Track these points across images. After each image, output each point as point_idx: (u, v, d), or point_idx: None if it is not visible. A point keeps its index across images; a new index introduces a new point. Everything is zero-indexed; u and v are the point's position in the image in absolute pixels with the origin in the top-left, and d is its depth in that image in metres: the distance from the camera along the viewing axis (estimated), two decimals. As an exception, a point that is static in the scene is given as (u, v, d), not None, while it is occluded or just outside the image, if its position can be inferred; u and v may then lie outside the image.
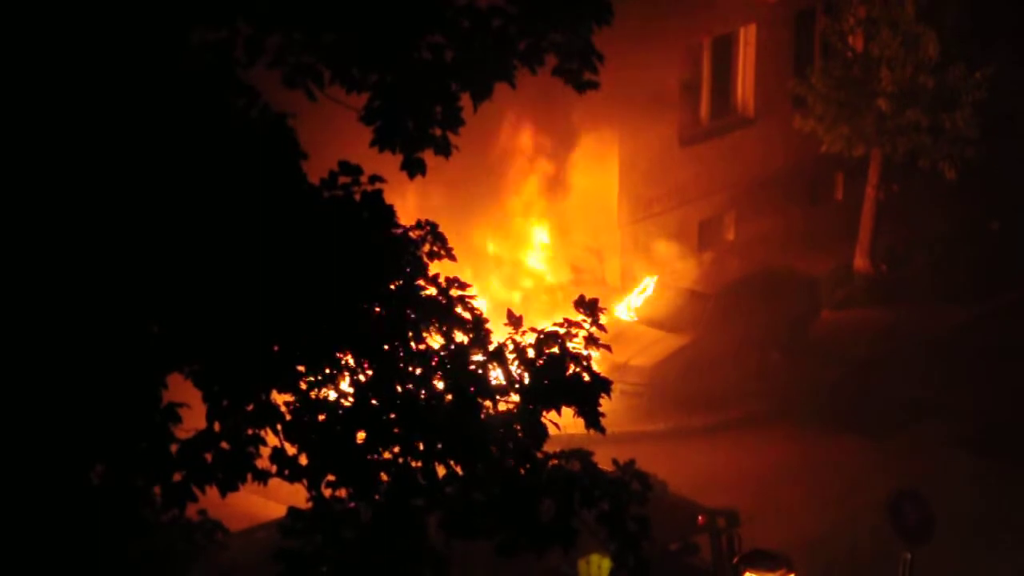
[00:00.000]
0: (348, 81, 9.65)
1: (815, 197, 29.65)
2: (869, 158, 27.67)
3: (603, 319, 9.64)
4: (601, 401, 9.21)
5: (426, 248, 9.36)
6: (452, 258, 9.43)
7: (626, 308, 25.90)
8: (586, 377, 9.23)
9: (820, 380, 25.24)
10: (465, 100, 9.88)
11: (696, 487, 20.44)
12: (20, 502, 8.82)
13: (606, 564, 18.30)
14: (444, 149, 9.80)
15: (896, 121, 26.67)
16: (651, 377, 24.68)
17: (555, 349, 9.27)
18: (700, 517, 19.04)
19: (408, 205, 22.97)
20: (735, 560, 17.92)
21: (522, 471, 9.06)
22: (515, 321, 9.41)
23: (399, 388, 9.14)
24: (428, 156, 9.70)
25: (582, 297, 9.71)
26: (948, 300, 27.31)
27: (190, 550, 10.54)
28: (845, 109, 26.77)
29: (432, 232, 9.42)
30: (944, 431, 23.56)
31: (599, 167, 26.33)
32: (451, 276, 9.45)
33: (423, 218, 9.52)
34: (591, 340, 9.34)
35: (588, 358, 9.40)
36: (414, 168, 9.71)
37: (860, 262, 28.15)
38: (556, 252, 26.47)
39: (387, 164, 9.78)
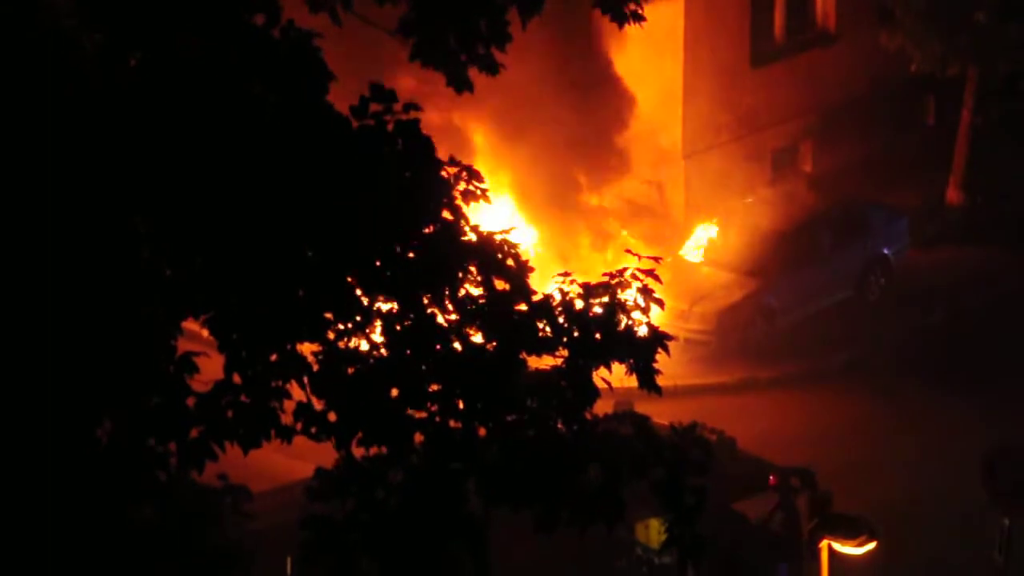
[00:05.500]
0: (379, -8, 9.64)
1: (903, 123, 29.37)
2: (965, 79, 27.36)
3: (660, 267, 9.62)
4: (657, 357, 9.18)
5: (461, 187, 9.33)
6: (488, 199, 9.41)
7: (691, 248, 25.81)
8: (641, 331, 9.21)
9: (907, 328, 25.11)
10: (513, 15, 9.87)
11: (768, 444, 20.45)
12: (21, 461, 8.91)
13: (667, 531, 18.36)
14: (490, 67, 9.82)
15: (996, 37, 26.32)
16: (718, 324, 24.63)
17: (604, 299, 9.24)
18: (772, 477, 19.06)
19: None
20: (811, 525, 17.93)
21: (568, 434, 9.06)
22: (563, 273, 9.39)
23: (437, 340, 9.16)
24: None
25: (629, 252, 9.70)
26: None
27: (210, 516, 10.63)
28: (938, 23, 26.45)
29: (468, 170, 9.40)
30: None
31: (660, 91, 26.16)
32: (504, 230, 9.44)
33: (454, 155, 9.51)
34: (645, 292, 9.30)
35: (646, 309, 9.36)
36: (460, 84, 9.76)
37: (953, 195, 27.92)
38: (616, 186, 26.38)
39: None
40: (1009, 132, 28.41)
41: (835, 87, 28.19)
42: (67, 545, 8.96)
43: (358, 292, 9.19)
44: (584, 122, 25.10)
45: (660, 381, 9.43)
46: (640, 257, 9.63)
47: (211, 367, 9.36)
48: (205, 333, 9.32)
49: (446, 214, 9.31)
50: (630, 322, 9.30)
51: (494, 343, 9.17)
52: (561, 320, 9.26)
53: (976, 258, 26.94)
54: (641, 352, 9.16)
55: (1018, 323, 24.90)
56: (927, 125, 29.84)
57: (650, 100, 26.06)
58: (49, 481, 8.89)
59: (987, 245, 27.16)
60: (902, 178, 28.24)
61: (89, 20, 8.88)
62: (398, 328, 9.25)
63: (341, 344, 9.30)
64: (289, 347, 9.26)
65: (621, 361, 9.25)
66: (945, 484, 20.83)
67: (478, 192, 9.50)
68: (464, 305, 9.20)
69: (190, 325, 9.44)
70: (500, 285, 9.25)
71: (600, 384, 9.35)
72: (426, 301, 9.22)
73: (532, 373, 9.25)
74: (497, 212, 24.09)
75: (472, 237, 9.25)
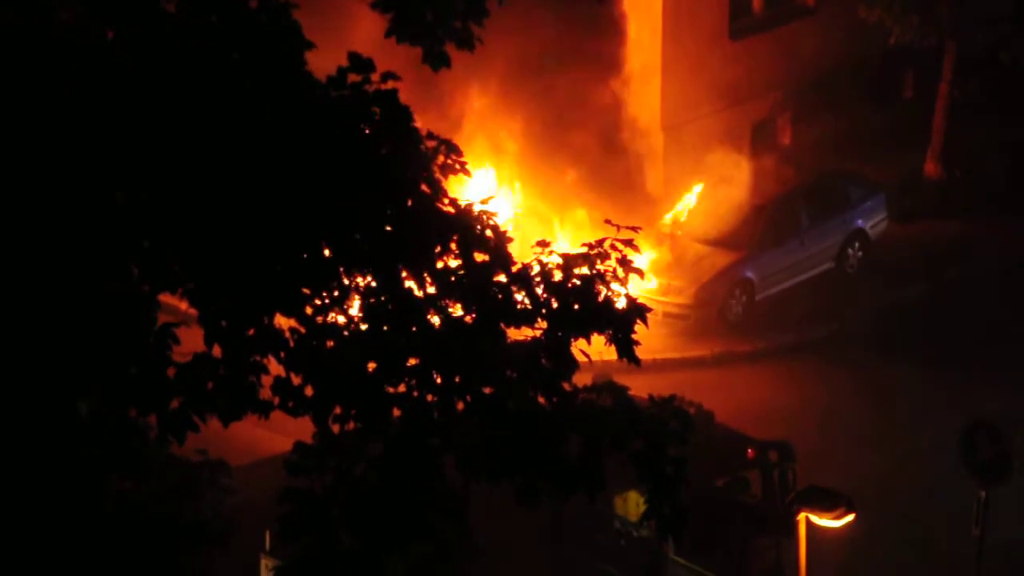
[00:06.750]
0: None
1: (882, 96, 29.42)
2: (943, 51, 27.40)
3: (639, 238, 9.66)
4: (636, 328, 9.22)
5: (440, 161, 9.36)
6: (467, 172, 9.45)
7: (669, 221, 25.85)
8: (620, 303, 9.23)
9: (885, 301, 25.20)
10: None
11: (746, 418, 20.54)
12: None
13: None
14: (466, 42, 9.83)
15: (974, 9, 26.36)
16: (697, 298, 24.69)
17: (584, 270, 9.28)
18: (750, 451, 19.15)
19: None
20: (789, 498, 18.02)
21: (548, 405, 9.08)
22: (541, 241, 9.43)
23: (415, 313, 9.18)
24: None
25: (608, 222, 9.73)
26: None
27: (189, 490, 10.66)
28: (916, -4, 26.48)
29: (447, 144, 9.42)
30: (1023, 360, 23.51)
31: (639, 63, 26.16)
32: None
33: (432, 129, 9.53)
34: (623, 263, 9.33)
35: (624, 280, 9.40)
36: (436, 61, 9.78)
37: (931, 168, 27.99)
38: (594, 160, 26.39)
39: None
40: (986, 105, 28.49)
41: (814, 60, 28.20)
42: (46, 516, 8.98)
43: (335, 266, 9.20)
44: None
45: (638, 355, 9.46)
46: (619, 228, 9.66)
47: (193, 338, 9.38)
48: (184, 306, 9.34)
49: (424, 188, 9.33)
50: (609, 293, 9.32)
51: (473, 315, 9.20)
52: (540, 291, 9.28)
53: (954, 231, 27.02)
54: (620, 323, 9.19)
55: (996, 295, 25.00)
56: (905, 98, 29.89)
57: (629, 72, 26.07)
58: (29, 452, 8.91)
59: (965, 218, 27.24)
60: (880, 151, 28.28)
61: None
62: (374, 302, 9.26)
63: (319, 319, 9.31)
64: (267, 321, 9.27)
65: (600, 332, 9.28)
66: (923, 456, 20.93)
67: (456, 166, 9.52)
68: (442, 278, 9.22)
69: (170, 299, 9.45)
70: (479, 256, 9.27)
71: (579, 357, 9.38)
72: (404, 274, 9.24)
73: (511, 345, 9.28)
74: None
75: (451, 210, 9.26)
